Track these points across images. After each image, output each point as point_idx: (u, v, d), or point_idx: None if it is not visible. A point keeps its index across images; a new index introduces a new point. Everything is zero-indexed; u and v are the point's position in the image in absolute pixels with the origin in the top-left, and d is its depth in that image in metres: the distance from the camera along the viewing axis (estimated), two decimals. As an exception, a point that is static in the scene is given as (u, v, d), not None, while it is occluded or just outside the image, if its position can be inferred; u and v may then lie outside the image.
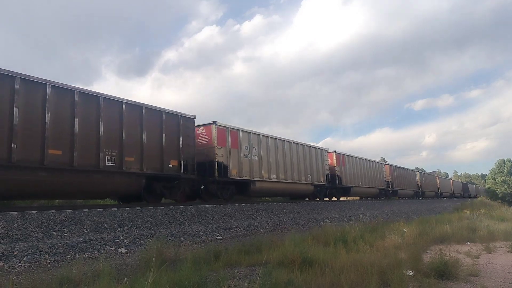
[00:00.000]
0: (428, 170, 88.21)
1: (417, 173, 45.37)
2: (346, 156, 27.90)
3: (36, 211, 9.21)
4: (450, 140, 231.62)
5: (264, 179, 18.26)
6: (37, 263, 6.57)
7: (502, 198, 72.22)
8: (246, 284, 5.08)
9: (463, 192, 67.32)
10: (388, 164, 36.99)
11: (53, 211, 9.53)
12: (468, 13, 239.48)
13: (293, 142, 21.66)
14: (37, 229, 8.15)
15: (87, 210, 10.20)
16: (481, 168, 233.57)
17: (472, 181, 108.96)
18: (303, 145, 22.64)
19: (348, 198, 29.70)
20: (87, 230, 8.84)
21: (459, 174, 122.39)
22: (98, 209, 10.50)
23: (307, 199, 23.84)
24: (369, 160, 32.13)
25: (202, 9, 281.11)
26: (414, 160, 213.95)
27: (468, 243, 10.39)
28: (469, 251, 8.70)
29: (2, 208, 9.27)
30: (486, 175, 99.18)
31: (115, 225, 9.55)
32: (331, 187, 25.62)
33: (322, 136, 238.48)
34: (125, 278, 4.95)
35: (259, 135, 18.61)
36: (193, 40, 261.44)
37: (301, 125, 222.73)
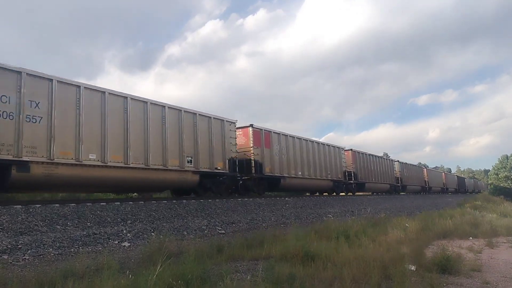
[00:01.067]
0: (431, 165, 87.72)
1: (396, 163, 38.84)
2: (273, 134, 19.75)
3: (39, 205, 9.27)
4: (454, 136, 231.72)
5: (59, 160, 10.37)
6: (41, 256, 6.62)
7: (505, 194, 71.83)
8: (248, 277, 5.10)
9: (458, 187, 62.67)
10: (351, 149, 29.25)
11: (57, 205, 9.59)
12: (472, 9, 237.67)
13: (152, 103, 13.35)
14: (41, 223, 8.20)
15: (90, 204, 10.26)
16: (484, 163, 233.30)
17: (475, 176, 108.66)
18: (173, 108, 14.25)
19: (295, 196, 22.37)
20: (90, 224, 8.89)
21: (462, 170, 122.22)
22: (101, 203, 10.56)
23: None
24: (318, 143, 24.51)
25: (206, 3, 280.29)
26: (418, 156, 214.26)
27: (471, 238, 10.38)
28: (472, 246, 8.70)
29: (6, 202, 9.33)
30: (489, 170, 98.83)
31: (118, 219, 9.60)
32: (241, 177, 17.79)
33: (325, 131, 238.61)
34: (128, 271, 4.97)
35: (51, 80, 10.47)
36: (196, 35, 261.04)
37: (304, 121, 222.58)
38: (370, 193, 32.49)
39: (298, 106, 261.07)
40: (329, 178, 24.88)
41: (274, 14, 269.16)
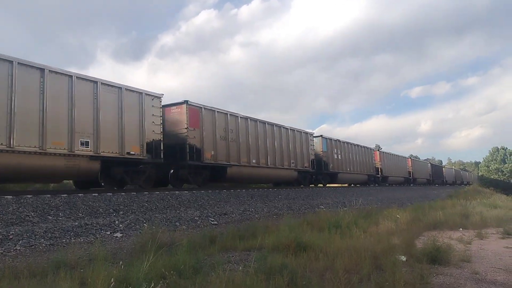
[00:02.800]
0: (423, 157, 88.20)
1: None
2: (218, 114, 16.38)
3: (31, 196, 9.20)
4: (446, 128, 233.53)
5: None
6: (33, 247, 6.58)
7: (495, 186, 72.57)
8: (241, 268, 5.12)
9: (432, 178, 52.05)
10: (321, 136, 20.51)
11: (48, 195, 9.53)
12: (467, 0, 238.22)
13: None
14: (32, 213, 8.15)
15: (82, 195, 10.21)
16: (475, 156, 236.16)
17: (466, 168, 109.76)
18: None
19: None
20: (82, 214, 8.85)
21: (453, 162, 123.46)
22: (93, 194, 10.52)
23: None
24: (280, 127, 20.17)
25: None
26: (409, 148, 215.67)
27: (461, 229, 10.50)
28: (461, 237, 8.80)
29: (-4, 192, 9.25)
30: (480, 162, 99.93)
31: (111, 210, 9.57)
32: (171, 165, 14.91)
33: (318, 123, 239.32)
34: (120, 262, 4.96)
35: None
36: (190, 24, 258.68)
37: (299, 112, 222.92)
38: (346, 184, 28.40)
39: (293, 97, 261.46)
40: (293, 168, 21.75)
41: (268, 4, 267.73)
